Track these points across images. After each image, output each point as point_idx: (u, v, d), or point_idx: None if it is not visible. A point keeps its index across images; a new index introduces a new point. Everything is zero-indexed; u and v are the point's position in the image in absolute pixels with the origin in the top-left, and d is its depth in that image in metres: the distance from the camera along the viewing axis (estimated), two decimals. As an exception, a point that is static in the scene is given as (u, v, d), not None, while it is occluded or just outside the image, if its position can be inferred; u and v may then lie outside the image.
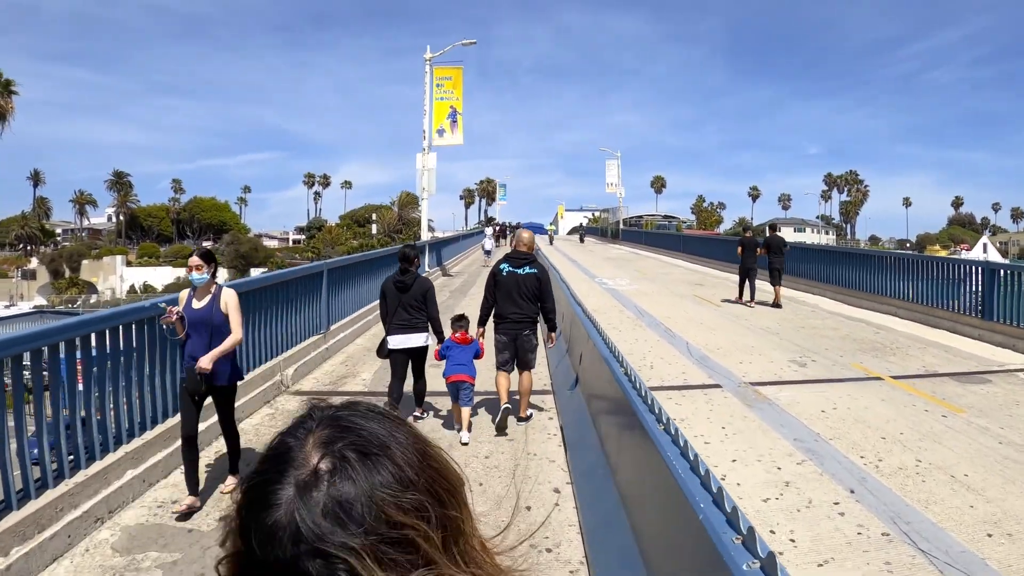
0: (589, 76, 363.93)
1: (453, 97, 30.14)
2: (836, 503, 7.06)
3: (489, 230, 47.88)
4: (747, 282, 21.88)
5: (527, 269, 9.55)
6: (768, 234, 23.52)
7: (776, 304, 21.42)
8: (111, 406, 7.34)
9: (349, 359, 14.19)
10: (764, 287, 22.50)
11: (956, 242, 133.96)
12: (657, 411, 4.81)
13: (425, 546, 0.89)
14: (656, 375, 12.14)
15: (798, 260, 27.82)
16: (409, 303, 9.40)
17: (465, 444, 8.84)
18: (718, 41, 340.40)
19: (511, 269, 9.58)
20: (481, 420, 9.92)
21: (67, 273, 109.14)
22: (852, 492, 7.33)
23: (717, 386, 11.54)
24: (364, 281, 17.52)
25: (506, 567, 1.03)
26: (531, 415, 9.86)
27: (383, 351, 9.60)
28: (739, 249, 22.34)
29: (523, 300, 9.49)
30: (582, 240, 70.64)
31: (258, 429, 9.58)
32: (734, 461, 8.19)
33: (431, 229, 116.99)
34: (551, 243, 59.39)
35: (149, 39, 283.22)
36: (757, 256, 21.89)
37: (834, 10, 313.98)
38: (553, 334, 10.26)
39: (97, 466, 6.93)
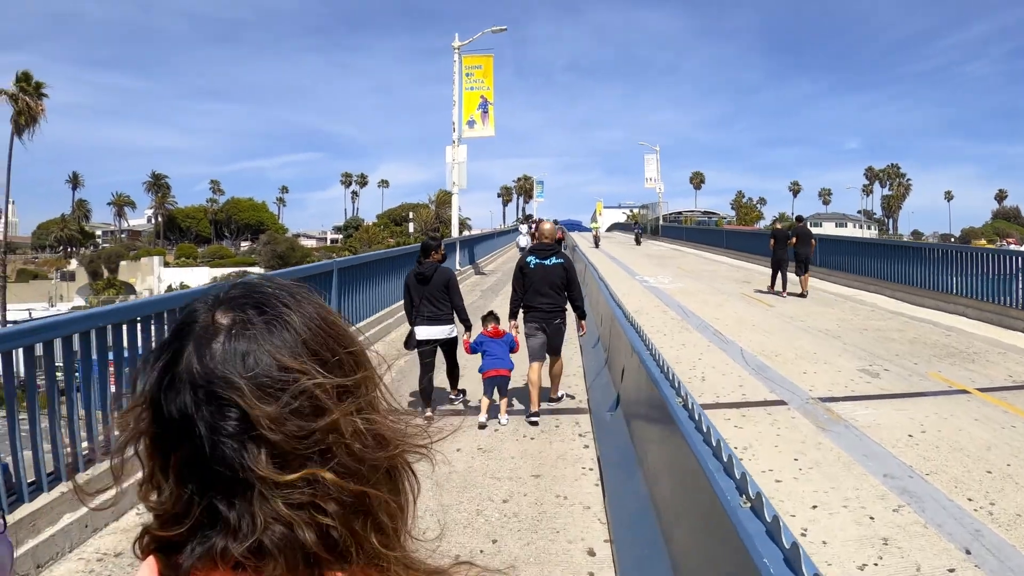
0: (625, 73, 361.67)
1: (483, 87, 28.59)
2: (951, 570, 5.41)
3: (524, 227, 45.64)
4: (779, 273, 22.60)
5: (553, 260, 9.66)
6: (796, 225, 24.25)
7: (803, 293, 22.04)
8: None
9: (360, 369, 12.71)
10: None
11: (1001, 236, 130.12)
12: (738, 477, 3.22)
13: (323, 398, 0.91)
14: (709, 389, 10.51)
15: (852, 255, 26.19)
16: (432, 294, 9.50)
17: (504, 424, 9.23)
18: (753, 36, 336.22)
19: (538, 261, 9.66)
20: (501, 449, 8.40)
21: (105, 274, 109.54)
22: (968, 553, 5.67)
23: (781, 403, 9.88)
24: (382, 282, 15.98)
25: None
26: (562, 396, 10.32)
27: (411, 343, 9.72)
28: (771, 241, 23.24)
29: (552, 290, 9.58)
30: (639, 241, 56.63)
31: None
32: (814, 508, 6.53)
33: (468, 227, 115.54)
34: (596, 245, 47.87)
35: (189, 44, 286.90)
36: (788, 247, 22.61)
37: (868, 3, 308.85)
38: (583, 322, 10.25)
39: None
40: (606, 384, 9.29)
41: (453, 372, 10.05)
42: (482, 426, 9.08)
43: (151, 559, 0.95)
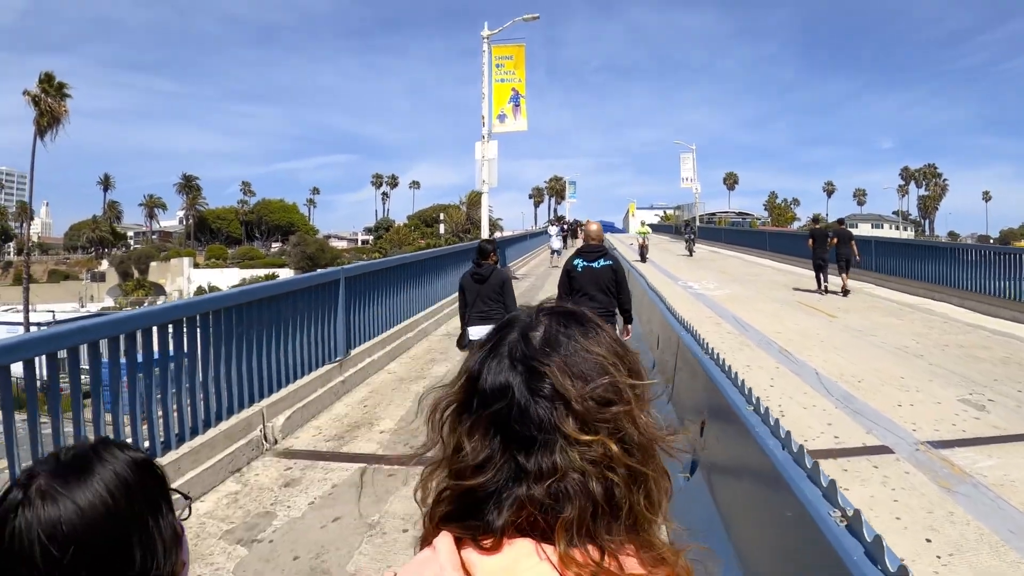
0: (658, 74, 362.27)
1: (515, 78, 26.61)
2: None
3: (554, 229, 43.18)
4: (821, 273, 23.08)
5: (602, 262, 9.30)
6: (836, 227, 24.55)
7: (844, 292, 22.45)
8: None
9: (372, 396, 10.84)
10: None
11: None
12: None
13: (623, 389, 1.12)
14: (794, 428, 8.56)
15: (913, 259, 24.08)
16: (487, 294, 9.40)
17: None
18: (788, 35, 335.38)
19: (586, 264, 9.30)
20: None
21: (135, 275, 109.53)
22: None
23: (885, 450, 7.95)
24: (403, 290, 14.17)
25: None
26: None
27: (463, 343, 9.69)
28: (810, 241, 23.60)
29: (601, 294, 9.15)
30: (691, 251, 43.28)
31: (205, 524, 6.31)
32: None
33: (499, 228, 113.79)
34: (643, 258, 35.99)
35: (225, 48, 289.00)
36: (828, 247, 22.99)
37: (904, 1, 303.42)
38: (629, 326, 9.75)
39: None
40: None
41: None
42: None
43: (443, 534, 1.10)
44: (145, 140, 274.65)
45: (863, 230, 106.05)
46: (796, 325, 16.39)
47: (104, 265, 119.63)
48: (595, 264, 9.28)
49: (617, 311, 9.37)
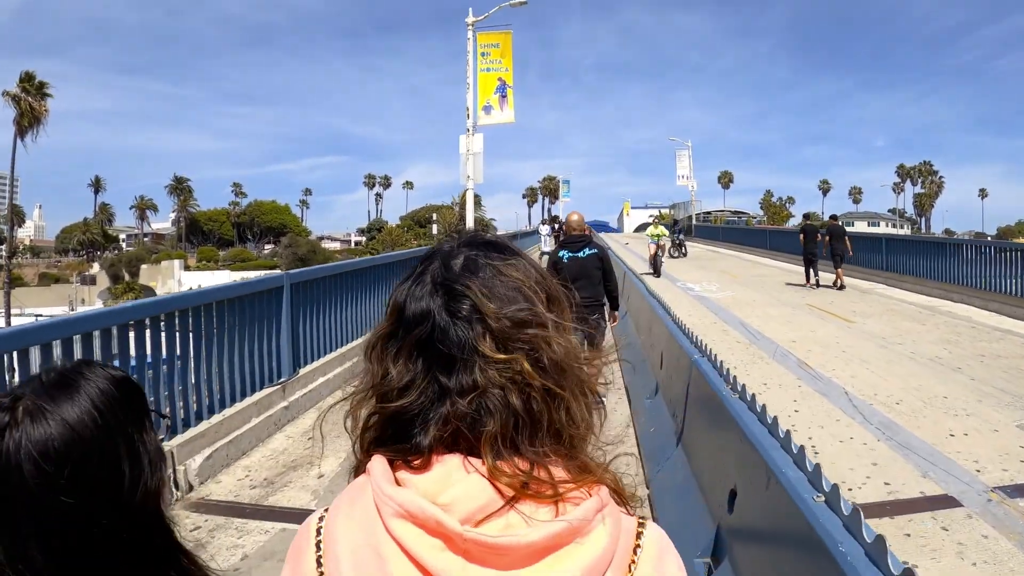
0: (653, 73, 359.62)
1: (501, 68, 24.73)
2: None
3: (545, 228, 40.59)
4: (811, 267, 23.91)
5: (587, 251, 9.23)
6: (830, 223, 25.30)
7: (840, 286, 23.07)
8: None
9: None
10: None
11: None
12: None
13: (539, 311, 1.12)
14: (831, 469, 6.91)
15: (927, 257, 22.59)
16: None
17: None
18: (781, 35, 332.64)
19: (572, 254, 9.21)
20: None
21: (126, 278, 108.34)
22: None
23: (950, 501, 6.26)
24: (364, 298, 12.35)
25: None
26: (600, 401, 7.26)
27: None
28: (801, 236, 24.60)
29: (590, 284, 8.99)
30: (684, 251, 39.96)
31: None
32: None
33: (493, 229, 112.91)
34: (656, 270, 28.12)
35: (219, 49, 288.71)
36: (818, 243, 23.75)
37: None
38: (616, 312, 9.72)
39: None
40: (676, 466, 5.67)
41: None
42: None
43: (377, 457, 1.12)
44: (139, 142, 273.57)
45: (859, 228, 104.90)
46: (812, 333, 14.71)
47: (95, 268, 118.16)
48: (581, 254, 9.15)
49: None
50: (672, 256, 39.16)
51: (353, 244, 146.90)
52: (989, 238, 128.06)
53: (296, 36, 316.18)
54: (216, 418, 7.70)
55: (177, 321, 7.48)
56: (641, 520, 1.15)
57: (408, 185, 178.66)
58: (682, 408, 5.97)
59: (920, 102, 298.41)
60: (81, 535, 1.24)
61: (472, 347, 1.08)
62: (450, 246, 1.21)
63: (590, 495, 1.07)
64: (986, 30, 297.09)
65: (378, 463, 1.10)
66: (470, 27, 24.66)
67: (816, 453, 7.35)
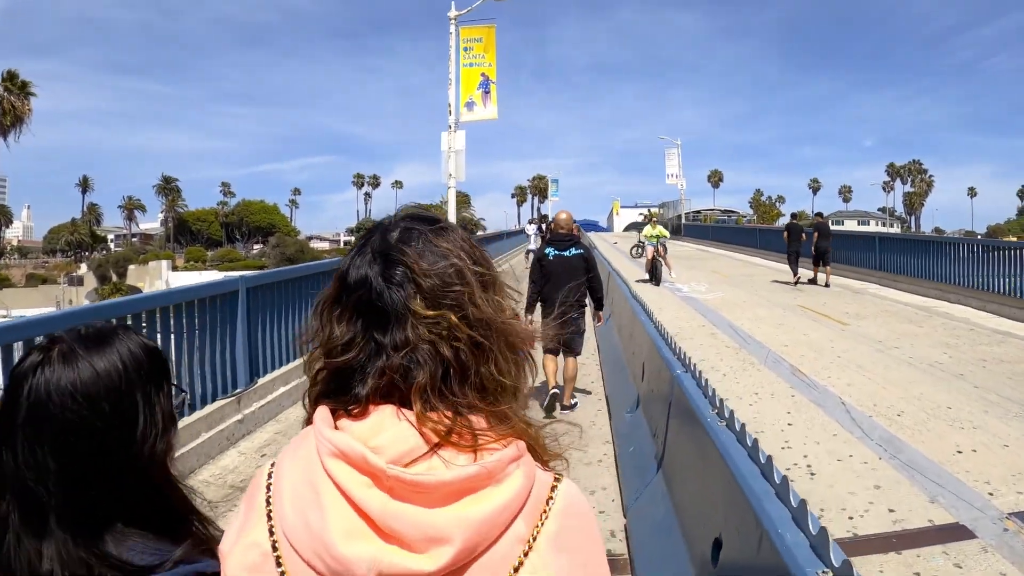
0: (644, 73, 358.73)
1: (484, 62, 23.94)
2: None
3: (532, 228, 39.28)
4: (794, 264, 24.24)
5: (573, 250, 9.16)
6: (817, 220, 25.66)
7: (826, 284, 23.42)
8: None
9: (278, 439, 8.39)
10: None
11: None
12: None
13: (466, 273, 1.23)
14: (831, 496, 6.24)
15: (918, 256, 22.19)
16: None
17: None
18: (773, 35, 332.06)
19: (557, 252, 9.15)
20: None
21: (114, 278, 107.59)
22: None
23: (962, 531, 5.59)
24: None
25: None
26: (576, 403, 9.51)
27: None
28: (785, 234, 25.09)
29: (574, 283, 8.85)
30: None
31: None
32: None
33: (483, 228, 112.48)
34: (655, 276, 24.02)
35: (212, 48, 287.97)
36: (802, 241, 24.17)
37: (887, 1, 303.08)
38: (600, 312, 9.63)
39: None
40: (673, 551, 4.84)
41: None
42: None
43: (321, 407, 1.22)
44: (130, 142, 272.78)
45: (849, 226, 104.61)
46: (805, 336, 14.07)
47: (83, 269, 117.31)
48: (567, 252, 9.07)
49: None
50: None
51: (342, 244, 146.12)
52: (979, 236, 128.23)
53: (288, 36, 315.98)
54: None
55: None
56: (558, 476, 1.24)
57: (397, 185, 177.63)
58: (663, 428, 5.32)
59: (910, 102, 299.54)
60: (94, 466, 1.37)
61: (404, 307, 1.19)
62: (389, 220, 1.31)
63: (507, 446, 1.17)
64: (975, 31, 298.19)
65: (321, 411, 1.22)
66: (452, 21, 23.89)
67: (812, 474, 6.70)
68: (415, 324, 1.18)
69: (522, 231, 48.45)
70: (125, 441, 1.39)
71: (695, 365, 5.08)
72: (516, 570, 1.12)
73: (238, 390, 8.59)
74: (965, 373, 10.88)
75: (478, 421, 1.18)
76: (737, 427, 3.79)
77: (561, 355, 9.11)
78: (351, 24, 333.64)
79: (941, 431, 8.05)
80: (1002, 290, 17.63)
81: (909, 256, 22.75)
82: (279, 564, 1.15)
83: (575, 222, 35.48)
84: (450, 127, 23.21)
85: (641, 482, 5.53)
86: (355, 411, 1.19)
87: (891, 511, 5.97)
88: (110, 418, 1.37)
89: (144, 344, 1.49)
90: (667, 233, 25.51)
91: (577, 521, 1.18)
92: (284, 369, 9.80)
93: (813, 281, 23.72)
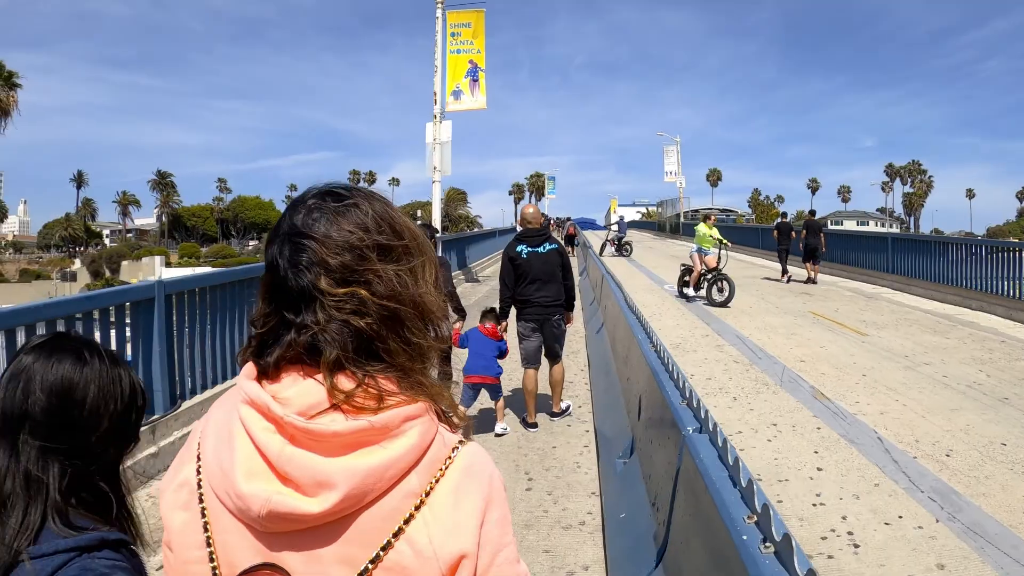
0: (642, 72, 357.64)
1: (473, 49, 22.23)
2: None
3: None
4: (783, 262, 24.55)
5: (547, 246, 8.48)
6: (808, 219, 25.80)
7: (812, 280, 23.60)
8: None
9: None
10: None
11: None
12: None
13: (367, 253, 1.25)
14: (879, 572, 4.83)
15: (934, 258, 20.75)
16: None
17: (501, 435, 8.01)
18: (770, 34, 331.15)
19: (530, 249, 8.43)
20: None
21: (107, 274, 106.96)
22: None
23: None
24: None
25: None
26: (567, 408, 8.86)
27: None
28: (775, 233, 25.57)
29: (550, 281, 8.40)
30: (623, 251, 37.46)
31: None
32: None
33: (479, 225, 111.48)
34: (727, 296, 17.96)
35: (208, 43, 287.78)
36: (791, 239, 24.37)
37: (884, 1, 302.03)
38: (570, 314, 8.78)
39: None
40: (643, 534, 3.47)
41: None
42: (500, 434, 8.06)
43: (248, 364, 1.29)
44: (128, 137, 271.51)
45: (849, 227, 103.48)
46: (823, 349, 12.56)
47: (76, 264, 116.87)
48: (540, 249, 8.47)
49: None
50: (615, 255, 35.98)
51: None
52: (980, 238, 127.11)
53: (285, 31, 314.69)
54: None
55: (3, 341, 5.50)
56: (462, 440, 1.30)
57: (394, 182, 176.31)
58: (667, 503, 3.84)
59: (907, 102, 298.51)
60: (68, 451, 1.58)
61: (312, 288, 1.23)
62: (299, 199, 1.33)
63: (411, 407, 1.23)
64: (972, 33, 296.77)
65: (246, 368, 1.29)
66: (439, 4, 22.24)
67: (856, 547, 5.18)
68: (323, 304, 1.22)
69: (514, 229, 46.53)
70: (89, 434, 1.61)
71: (713, 421, 3.59)
72: (407, 522, 1.19)
73: (154, 416, 7.16)
74: (1009, 396, 9.42)
75: (387, 384, 1.23)
76: (787, 544, 2.30)
77: (545, 362, 8.64)
78: (347, 19, 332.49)
79: (1003, 478, 6.57)
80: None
81: (925, 258, 21.23)
82: (201, 501, 1.27)
83: (572, 221, 34.03)
84: (435, 117, 21.60)
85: (634, 572, 4.05)
86: (271, 373, 1.26)
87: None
88: (81, 414, 1.60)
89: (135, 382, 1.73)
90: (726, 241, 19.95)
91: (477, 481, 1.25)
92: (217, 390, 8.29)
93: (812, 280, 23.63)
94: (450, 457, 1.23)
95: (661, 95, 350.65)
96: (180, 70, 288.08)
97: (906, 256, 22.26)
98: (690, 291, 19.23)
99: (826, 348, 12.62)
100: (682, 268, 20.20)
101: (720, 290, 18.27)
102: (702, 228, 19.75)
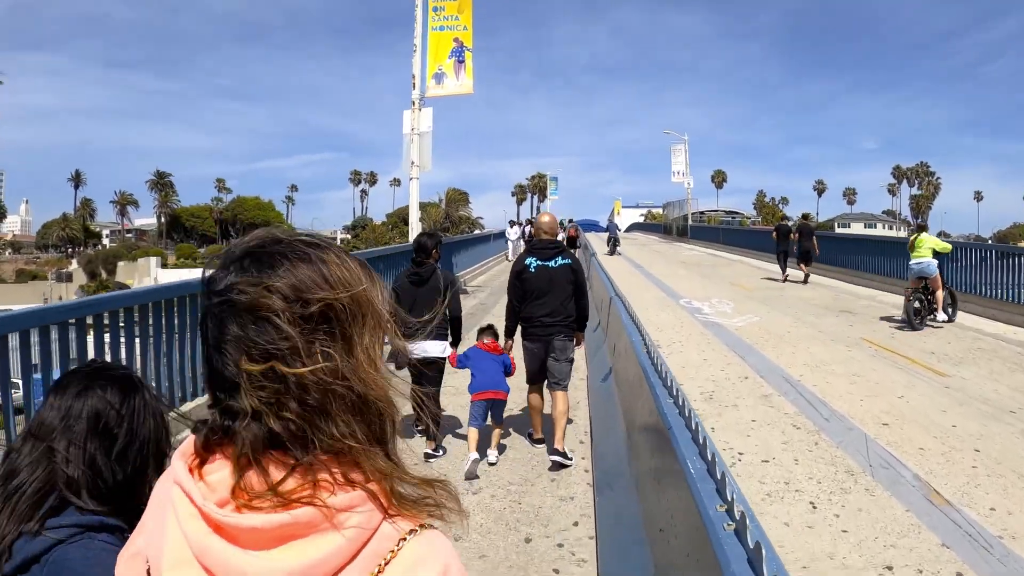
0: (646, 73, 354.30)
1: (459, 25, 19.16)
2: None
3: (513, 232, 34.15)
4: (782, 263, 25.42)
5: (559, 260, 7.80)
6: (801, 222, 26.63)
7: (805, 281, 24.24)
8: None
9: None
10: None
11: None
12: None
13: (283, 326, 1.11)
14: None
15: (1000, 271, 17.41)
16: (427, 300, 7.55)
17: (493, 464, 7.44)
18: (774, 35, 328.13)
19: (540, 263, 7.80)
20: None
21: (103, 275, 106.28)
22: None
23: None
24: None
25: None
26: (570, 457, 7.48)
27: (397, 360, 5.80)
28: (774, 234, 26.46)
29: (560, 299, 7.72)
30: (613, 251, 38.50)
31: None
32: None
33: (481, 227, 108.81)
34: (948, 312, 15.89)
35: (214, 45, 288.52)
36: (789, 241, 25.07)
37: (890, 2, 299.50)
38: (580, 334, 8.07)
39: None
40: None
41: (434, 409, 6.94)
42: (470, 476, 7.01)
43: (191, 437, 1.19)
44: (133, 138, 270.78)
45: (855, 230, 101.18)
46: (901, 400, 9.37)
47: (73, 265, 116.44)
48: (551, 263, 7.75)
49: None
50: (606, 255, 34.96)
51: (339, 241, 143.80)
52: (989, 241, 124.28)
53: (288, 32, 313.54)
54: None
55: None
56: (415, 529, 1.14)
57: (395, 183, 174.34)
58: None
59: (913, 103, 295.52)
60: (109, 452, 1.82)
61: (234, 372, 1.11)
62: (222, 261, 1.19)
63: (349, 495, 1.11)
64: (979, 34, 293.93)
65: (187, 443, 1.20)
66: (419, -26, 19.18)
67: None
68: (246, 390, 1.11)
69: (501, 234, 40.10)
70: (123, 448, 1.88)
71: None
72: None
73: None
74: None
75: (323, 471, 1.11)
76: None
77: (547, 389, 7.85)
78: (349, 20, 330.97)
79: None
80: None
81: (988, 271, 17.92)
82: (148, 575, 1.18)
83: (574, 222, 30.49)
84: (413, 103, 18.45)
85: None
86: (201, 453, 1.17)
87: None
88: (117, 432, 1.89)
89: (159, 405, 2.00)
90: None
91: (419, 574, 1.11)
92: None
93: (804, 281, 24.24)
94: (392, 551, 1.10)
95: (666, 97, 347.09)
96: (184, 72, 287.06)
97: (962, 267, 18.75)
98: (940, 315, 15.61)
99: (905, 399, 9.51)
100: (912, 289, 15.58)
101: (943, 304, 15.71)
102: (922, 239, 15.81)
